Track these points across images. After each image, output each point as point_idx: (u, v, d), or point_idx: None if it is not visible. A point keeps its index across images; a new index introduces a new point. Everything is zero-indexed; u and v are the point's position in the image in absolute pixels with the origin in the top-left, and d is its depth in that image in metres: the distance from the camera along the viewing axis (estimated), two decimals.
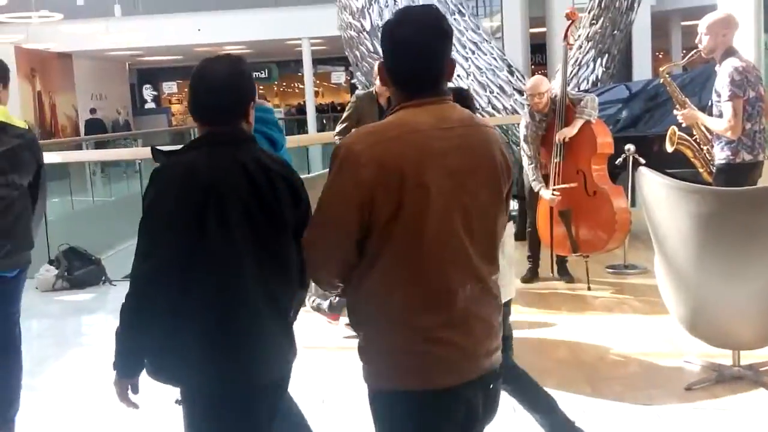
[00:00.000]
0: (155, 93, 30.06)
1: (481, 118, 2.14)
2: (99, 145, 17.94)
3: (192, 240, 2.15)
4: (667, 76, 5.12)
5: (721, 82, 4.47)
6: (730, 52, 4.54)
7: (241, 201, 2.19)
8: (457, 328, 1.92)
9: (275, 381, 2.33)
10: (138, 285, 2.17)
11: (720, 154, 4.60)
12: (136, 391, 2.26)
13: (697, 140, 4.92)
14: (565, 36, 6.09)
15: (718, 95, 4.52)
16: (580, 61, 11.38)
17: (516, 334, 5.03)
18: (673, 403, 3.86)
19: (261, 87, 31.95)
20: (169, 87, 31.10)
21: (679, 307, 4.08)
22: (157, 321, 2.17)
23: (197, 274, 2.17)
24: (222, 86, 2.27)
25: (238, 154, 2.24)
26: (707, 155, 4.81)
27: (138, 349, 2.21)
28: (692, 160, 5.02)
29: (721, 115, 4.50)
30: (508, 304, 3.48)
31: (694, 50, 4.80)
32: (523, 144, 6.07)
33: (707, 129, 4.79)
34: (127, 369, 2.23)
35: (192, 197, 2.15)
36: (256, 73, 27.06)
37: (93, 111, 22.37)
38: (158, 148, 2.37)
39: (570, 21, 6.08)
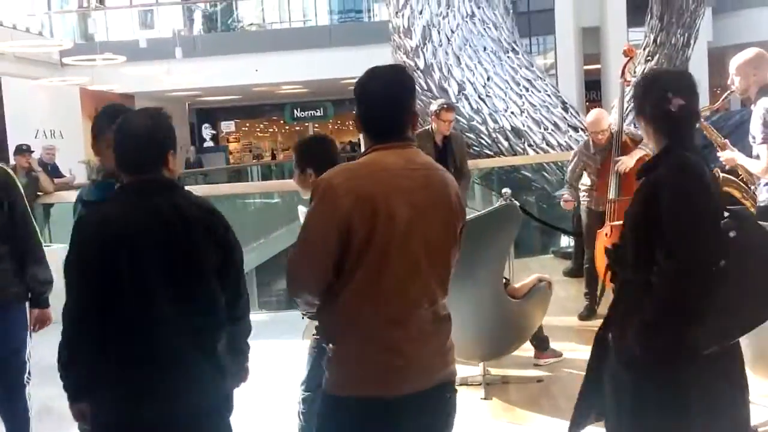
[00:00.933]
0: (214, 132, 30.67)
1: (440, 165, 2.38)
2: None
3: (107, 284, 2.31)
4: (702, 120, 5.03)
5: (755, 124, 4.36)
6: (764, 90, 4.42)
7: (155, 246, 2.35)
8: (415, 342, 2.17)
9: (201, 411, 2.43)
10: (65, 324, 2.37)
11: (761, 195, 4.50)
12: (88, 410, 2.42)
13: (744, 180, 4.83)
14: (623, 73, 6.07)
15: (753, 137, 4.42)
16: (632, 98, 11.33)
17: (575, 372, 4.99)
18: None
19: (317, 125, 32.39)
20: (227, 126, 31.71)
21: (743, 346, 3.98)
22: (83, 356, 2.36)
23: (114, 315, 2.33)
24: (141, 138, 2.44)
25: (157, 201, 2.39)
26: (756, 194, 4.72)
27: (76, 378, 2.39)
28: (741, 200, 4.93)
29: (758, 157, 4.41)
30: None
31: (728, 92, 4.74)
32: (569, 170, 6.10)
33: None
34: (71, 394, 2.43)
35: (105, 245, 2.32)
36: (312, 112, 27.47)
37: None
38: (84, 198, 2.71)
39: (627, 58, 6.08)
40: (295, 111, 23.21)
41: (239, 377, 2.64)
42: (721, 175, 4.85)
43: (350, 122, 33.05)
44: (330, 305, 2.21)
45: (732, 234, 2.29)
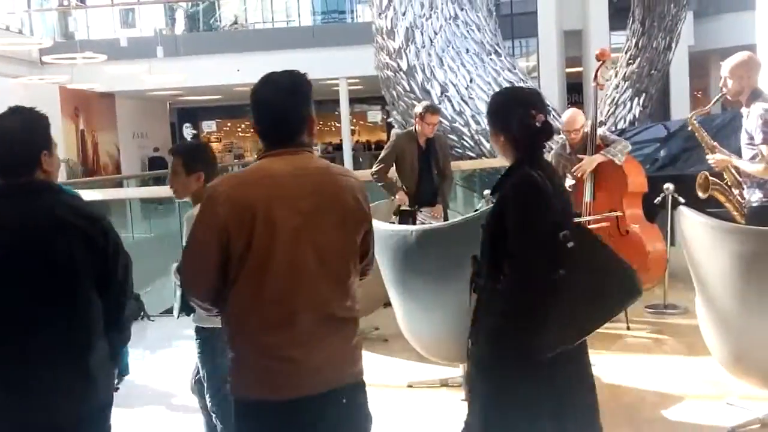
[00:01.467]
0: (195, 131, 30.53)
1: (342, 169, 2.41)
2: (158, 181, 19.06)
3: None
4: (695, 122, 5.06)
5: (753, 125, 4.42)
6: (756, 94, 4.48)
7: (21, 253, 2.30)
8: (300, 348, 2.18)
9: (69, 424, 2.38)
10: None
11: (753, 196, 4.53)
12: None
13: (729, 184, 4.86)
14: (595, 77, 6.07)
15: (751, 138, 4.46)
16: (617, 101, 11.40)
17: None
18: None
19: None
20: (209, 126, 31.60)
21: (722, 348, 4.01)
22: None
23: None
24: (12, 139, 2.38)
25: (29, 205, 2.34)
26: (739, 198, 4.75)
27: None
28: (725, 204, 4.96)
29: (754, 158, 4.45)
30: None
31: (719, 95, 4.77)
32: None
33: (737, 172, 4.74)
34: None
35: None
36: None
37: (156, 149, 24.06)
38: None
39: (600, 62, 6.07)
40: None
41: (117, 383, 2.65)
42: (710, 178, 4.88)
43: (332, 123, 33.01)
44: (223, 312, 2.26)
45: (570, 245, 2.42)
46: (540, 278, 2.41)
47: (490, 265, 2.48)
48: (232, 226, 2.15)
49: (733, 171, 4.77)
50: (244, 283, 2.18)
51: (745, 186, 4.63)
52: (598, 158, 5.68)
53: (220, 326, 2.34)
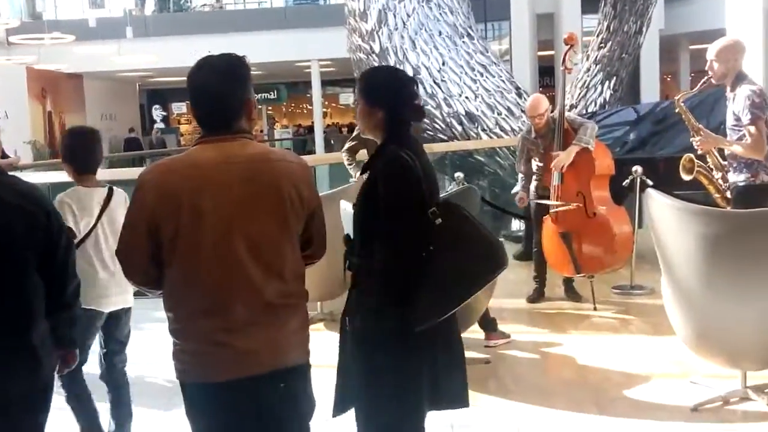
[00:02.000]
0: (165, 113, 30.25)
1: (284, 154, 2.35)
2: (135, 162, 19.21)
3: None
4: (682, 105, 5.12)
5: (740, 106, 4.49)
6: (741, 77, 4.57)
7: None
8: (235, 333, 2.19)
9: (12, 404, 2.36)
10: None
11: (738, 177, 4.62)
12: None
13: (710, 166, 4.93)
14: (563, 61, 6.10)
15: (737, 120, 4.54)
16: (588, 84, 11.46)
17: (522, 354, 5.06)
18: (680, 422, 3.86)
19: (270, 108, 32.14)
20: (179, 107, 31.29)
21: (686, 327, 4.08)
22: None
23: None
24: None
25: None
26: (721, 181, 4.82)
27: None
28: (707, 186, 5.03)
29: (741, 139, 4.53)
30: None
31: (706, 77, 4.83)
32: (517, 159, 6.18)
33: (720, 155, 4.81)
34: None
35: None
36: (265, 94, 27.22)
37: (131, 130, 24.32)
38: None
39: (568, 46, 6.10)
40: None
41: (62, 366, 2.65)
42: (697, 161, 4.95)
43: (304, 105, 32.89)
44: (163, 297, 2.30)
45: (438, 221, 2.49)
46: (411, 255, 2.48)
47: (363, 244, 2.52)
48: (160, 214, 2.17)
49: (716, 154, 4.84)
50: (178, 269, 2.20)
51: (730, 168, 4.70)
52: (574, 149, 5.73)
53: None
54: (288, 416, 2.31)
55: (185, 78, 2.35)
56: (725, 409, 3.97)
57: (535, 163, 6.11)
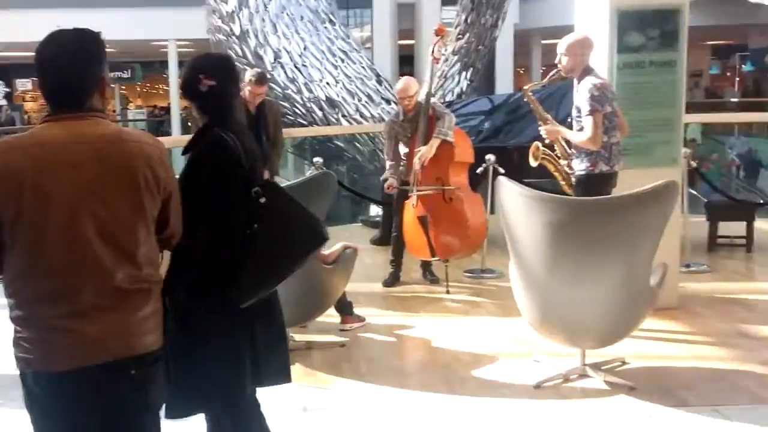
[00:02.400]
0: (8, 90, 28.50)
1: (138, 135, 2.29)
2: None
3: None
4: (530, 94, 5.33)
5: (581, 98, 4.72)
6: (587, 70, 4.80)
7: None
8: (82, 319, 2.11)
9: None
10: None
11: (579, 166, 4.85)
12: None
13: (558, 155, 5.16)
14: (432, 51, 6.25)
15: (579, 111, 4.77)
16: (446, 74, 11.71)
17: (377, 337, 5.15)
18: (524, 399, 4.05)
19: (123, 87, 30.94)
20: (23, 84, 29.55)
21: (531, 309, 4.27)
22: None
23: None
24: None
25: None
26: (567, 168, 5.06)
27: None
28: (553, 173, 5.26)
29: (582, 129, 4.76)
30: None
31: (555, 70, 5.05)
32: (385, 145, 6.27)
33: (567, 143, 5.04)
34: None
35: None
36: (119, 73, 26.19)
37: None
38: None
39: (438, 37, 6.25)
40: None
41: None
42: (542, 148, 5.16)
43: (160, 85, 31.88)
44: (3, 282, 2.20)
45: (262, 201, 2.58)
46: (235, 234, 2.53)
47: (186, 224, 2.51)
48: (0, 196, 2.05)
49: (563, 143, 5.07)
50: (20, 253, 2.09)
51: (573, 157, 4.93)
52: (435, 142, 5.89)
53: None
54: (138, 407, 2.22)
55: (32, 53, 2.21)
56: (565, 386, 4.20)
57: (402, 149, 6.22)
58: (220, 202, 2.54)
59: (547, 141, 5.11)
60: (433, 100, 6.28)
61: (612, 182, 4.85)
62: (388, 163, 6.30)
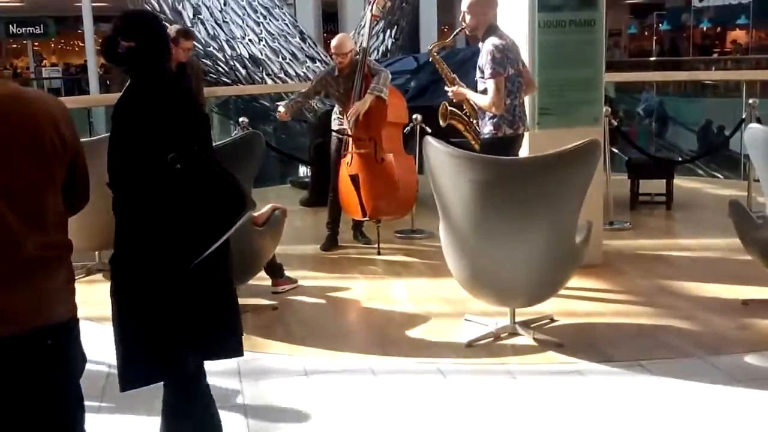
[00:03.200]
0: None
1: (40, 94, 2.19)
2: None
3: None
4: (436, 54, 5.30)
5: (483, 60, 4.68)
6: (491, 30, 4.73)
7: None
8: None
9: None
10: None
11: (484, 129, 4.82)
12: None
13: (467, 114, 5.16)
14: (372, 7, 6.19)
15: (482, 72, 4.73)
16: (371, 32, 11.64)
17: (309, 300, 5.14)
18: (457, 358, 4.10)
19: (36, 43, 29.71)
20: None
21: (461, 269, 4.31)
22: None
23: None
24: None
25: None
26: (477, 128, 5.06)
27: None
28: (464, 133, 5.28)
29: (485, 92, 4.75)
30: None
31: (458, 29, 5.02)
32: (311, 84, 6.22)
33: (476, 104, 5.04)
34: None
35: None
36: (30, 29, 25.11)
37: None
38: None
39: None
40: (11, 27, 21.08)
41: None
42: (450, 108, 5.15)
43: (75, 42, 30.71)
44: None
45: (178, 166, 2.54)
46: (148, 199, 2.52)
47: (125, 187, 2.52)
48: None
49: (473, 103, 5.06)
50: None
51: (479, 118, 4.92)
52: (369, 98, 5.83)
53: None
54: (57, 378, 2.13)
55: None
56: (496, 344, 4.28)
57: (335, 113, 6.16)
58: (126, 166, 2.50)
59: (454, 101, 5.11)
60: (369, 59, 6.21)
61: (517, 145, 4.84)
62: (296, 96, 6.31)
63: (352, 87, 5.97)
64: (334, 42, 6.13)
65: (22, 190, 2.02)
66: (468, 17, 4.76)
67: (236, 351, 2.77)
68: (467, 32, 4.87)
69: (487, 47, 4.65)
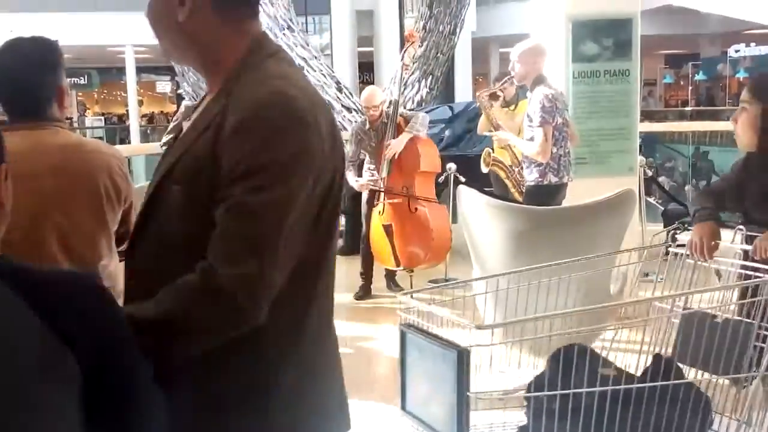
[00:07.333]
0: None
1: (97, 145, 2.27)
2: None
3: None
4: (485, 99, 5.37)
5: (533, 108, 4.75)
6: (540, 79, 4.82)
7: None
8: None
9: None
10: None
11: (529, 176, 4.85)
12: None
13: (511, 162, 5.19)
14: (402, 57, 6.28)
15: (530, 120, 4.79)
16: (406, 82, 11.75)
17: (342, 350, 5.11)
18: (495, 411, 4.03)
19: (80, 93, 30.51)
20: None
21: (495, 316, 4.28)
22: None
23: None
24: None
25: None
26: (518, 176, 5.08)
27: None
28: (504, 180, 5.30)
29: (532, 139, 4.78)
30: None
31: (508, 77, 5.08)
32: (350, 147, 6.26)
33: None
34: None
35: None
36: (75, 79, 25.80)
37: None
38: None
39: (409, 43, 6.28)
40: None
41: None
42: (492, 154, 5.18)
43: (118, 92, 31.48)
44: None
45: None
46: None
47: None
48: None
49: (515, 151, 5.09)
50: None
51: (524, 165, 4.94)
52: (406, 137, 5.87)
53: None
54: None
55: None
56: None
57: (367, 164, 6.20)
58: None
59: (499, 148, 5.15)
60: (401, 109, 6.28)
61: (561, 194, 4.85)
62: (350, 166, 6.27)
63: (383, 139, 6.03)
64: (363, 95, 6.21)
65: (79, 237, 2.11)
66: (518, 66, 4.84)
67: None
68: (516, 81, 4.94)
69: (537, 96, 4.71)
